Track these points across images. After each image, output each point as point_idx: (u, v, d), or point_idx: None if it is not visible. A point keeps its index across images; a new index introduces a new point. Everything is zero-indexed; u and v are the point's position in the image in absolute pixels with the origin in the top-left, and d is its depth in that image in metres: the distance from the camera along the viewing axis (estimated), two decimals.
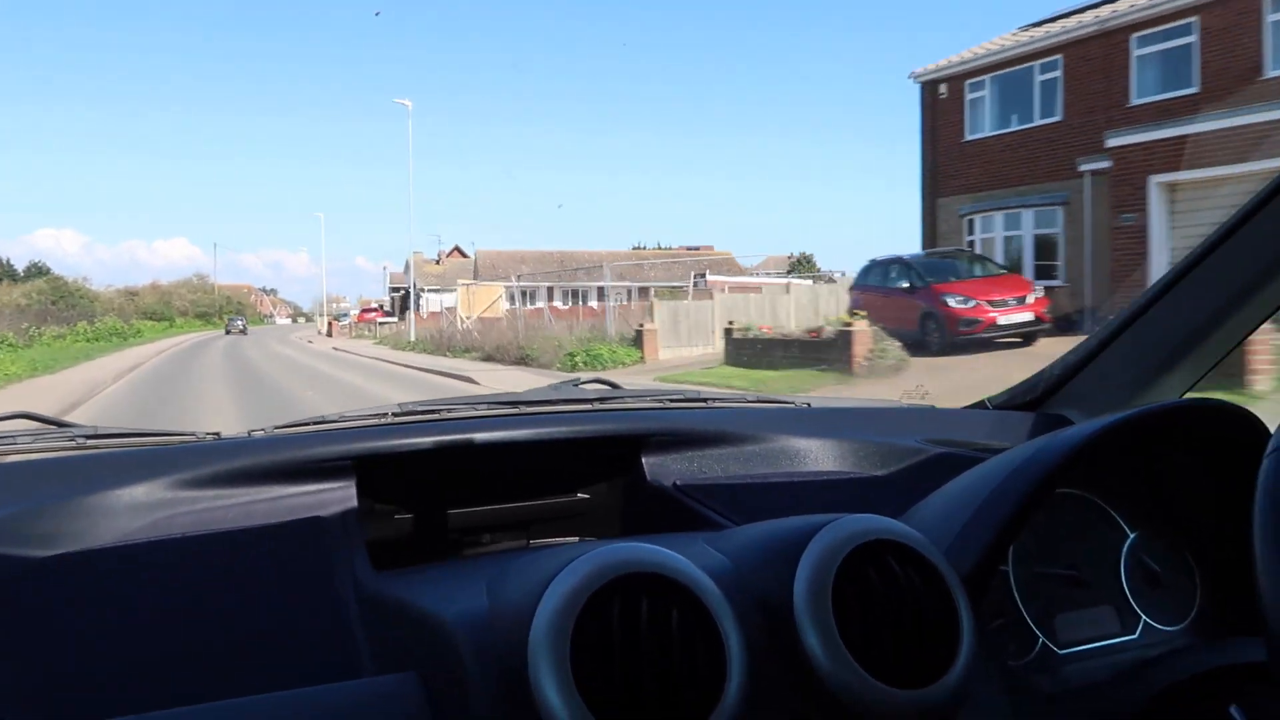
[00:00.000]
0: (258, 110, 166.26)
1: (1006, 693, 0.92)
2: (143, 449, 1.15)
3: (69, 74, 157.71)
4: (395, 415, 1.26)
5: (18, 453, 1.12)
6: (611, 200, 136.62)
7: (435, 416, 1.26)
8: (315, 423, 1.24)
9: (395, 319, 52.04)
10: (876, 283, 14.95)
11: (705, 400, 1.49)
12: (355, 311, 64.36)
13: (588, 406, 1.39)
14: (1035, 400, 1.45)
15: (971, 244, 17.96)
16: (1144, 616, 1.11)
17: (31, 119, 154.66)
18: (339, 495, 1.09)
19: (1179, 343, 1.23)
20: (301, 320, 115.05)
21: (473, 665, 0.73)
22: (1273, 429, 0.73)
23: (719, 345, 18.07)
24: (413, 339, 29.35)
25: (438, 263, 59.60)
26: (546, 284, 39.42)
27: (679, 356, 17.21)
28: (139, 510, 1.01)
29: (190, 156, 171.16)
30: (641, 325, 16.86)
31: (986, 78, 18.11)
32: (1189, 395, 1.28)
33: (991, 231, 17.91)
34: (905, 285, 14.16)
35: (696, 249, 48.14)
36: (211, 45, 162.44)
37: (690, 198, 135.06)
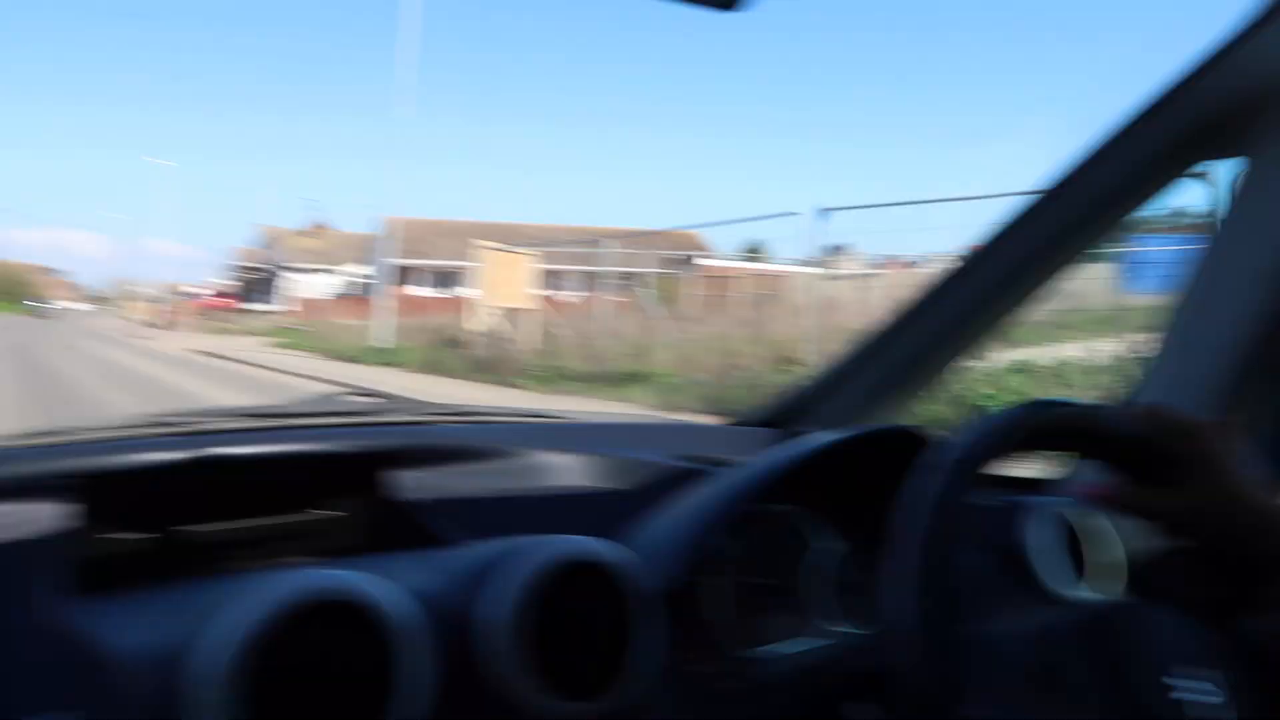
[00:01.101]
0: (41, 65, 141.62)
1: (695, 699, 0.97)
2: None
3: None
4: (130, 426, 1.24)
5: None
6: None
7: (174, 430, 1.23)
8: (39, 434, 1.18)
9: (271, 305, 37.99)
10: None
11: (466, 415, 1.51)
12: (191, 297, 49.25)
13: (340, 420, 1.39)
14: (779, 418, 1.54)
15: None
16: (843, 625, 1.17)
17: None
18: (48, 516, 1.00)
19: (904, 368, 1.37)
20: (101, 306, 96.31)
21: (136, 704, 0.71)
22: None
23: None
24: (393, 344, 16.35)
25: (310, 234, 45.88)
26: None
27: None
28: None
29: None
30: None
31: None
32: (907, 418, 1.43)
33: None
34: None
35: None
36: None
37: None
